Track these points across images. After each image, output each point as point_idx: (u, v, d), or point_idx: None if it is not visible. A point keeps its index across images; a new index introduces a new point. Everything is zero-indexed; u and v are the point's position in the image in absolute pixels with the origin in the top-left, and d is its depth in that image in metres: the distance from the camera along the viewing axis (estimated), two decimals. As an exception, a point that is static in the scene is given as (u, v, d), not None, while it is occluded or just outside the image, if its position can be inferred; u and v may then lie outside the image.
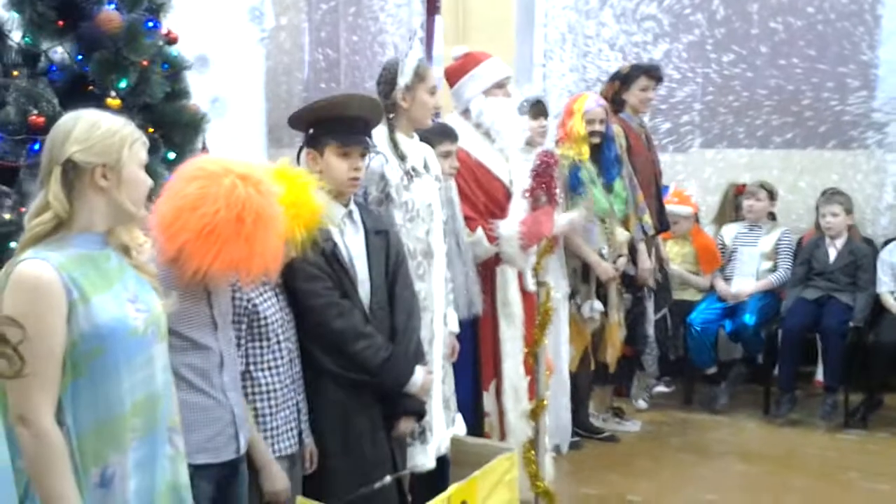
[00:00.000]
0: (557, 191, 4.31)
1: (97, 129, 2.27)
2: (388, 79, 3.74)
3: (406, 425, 3.36)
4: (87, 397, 2.21)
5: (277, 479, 2.98)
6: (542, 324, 4.34)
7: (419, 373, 3.31)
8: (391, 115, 3.72)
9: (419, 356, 3.40)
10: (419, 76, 3.71)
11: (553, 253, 4.51)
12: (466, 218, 4.24)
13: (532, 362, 4.38)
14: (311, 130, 3.31)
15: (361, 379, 3.22)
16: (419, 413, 3.40)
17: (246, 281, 2.79)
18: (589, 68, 7.37)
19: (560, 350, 5.22)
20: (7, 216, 3.22)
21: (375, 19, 7.74)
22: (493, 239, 4.27)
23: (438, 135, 4.00)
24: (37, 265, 2.16)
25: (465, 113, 4.40)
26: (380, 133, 3.64)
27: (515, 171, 4.41)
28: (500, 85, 4.36)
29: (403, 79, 3.68)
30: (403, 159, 3.69)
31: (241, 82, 7.15)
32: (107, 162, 2.26)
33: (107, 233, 2.33)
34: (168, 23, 6.12)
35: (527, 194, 4.25)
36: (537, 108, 5.09)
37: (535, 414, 4.41)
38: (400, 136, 3.73)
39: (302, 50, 8.10)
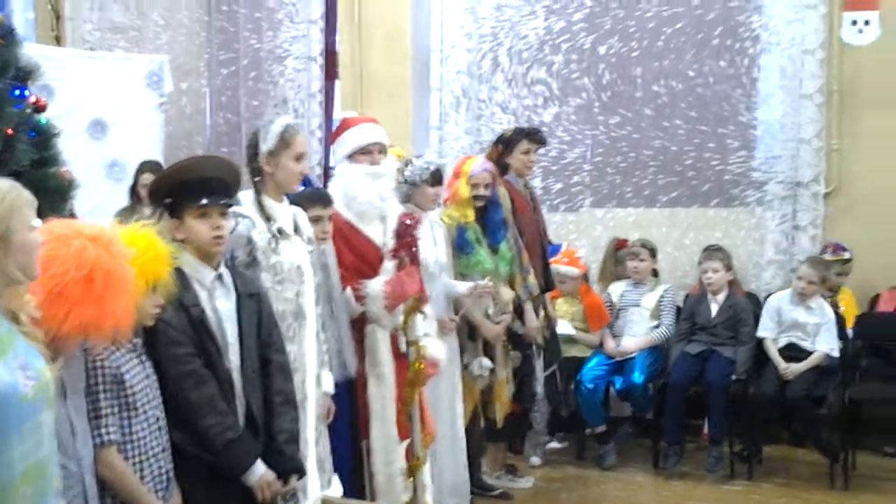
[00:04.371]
0: (418, 251, 4.41)
1: None
2: (252, 143, 3.83)
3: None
4: None
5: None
6: (413, 382, 4.40)
7: (260, 468, 3.27)
8: (257, 179, 3.80)
9: (286, 454, 3.39)
10: (284, 142, 3.79)
11: (420, 312, 4.58)
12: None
13: (406, 421, 4.45)
14: (167, 200, 3.32)
15: (202, 455, 3.20)
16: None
17: (96, 342, 2.80)
18: (483, 131, 7.55)
19: (455, 408, 5.28)
20: None
21: (275, 83, 7.82)
22: (360, 298, 4.32)
23: (308, 199, 4.08)
24: None
25: None
26: (246, 196, 3.72)
27: (391, 234, 4.47)
28: (366, 151, 4.41)
29: (266, 144, 3.77)
30: (270, 221, 3.76)
31: (139, 147, 7.15)
32: None
33: None
34: (62, 89, 6.27)
35: (391, 255, 4.34)
36: (435, 177, 5.18)
37: (411, 472, 4.46)
38: (266, 199, 3.80)
39: (202, 114, 8.15)
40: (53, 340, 2.64)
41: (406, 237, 4.26)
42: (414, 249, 4.32)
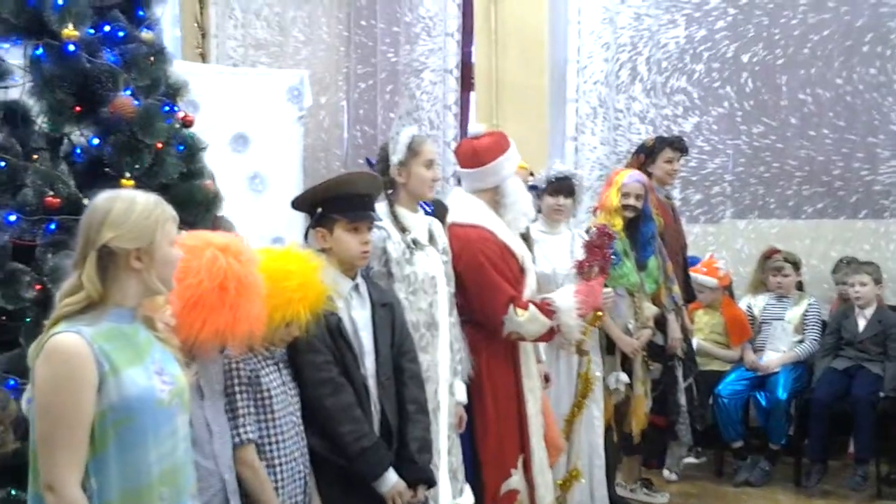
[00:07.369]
0: (609, 263, 4.42)
1: (131, 214, 2.35)
2: (383, 156, 3.86)
3: None
4: (114, 466, 2.30)
5: None
6: (584, 393, 4.40)
7: (393, 477, 3.30)
8: (390, 191, 3.83)
9: (418, 464, 3.42)
10: (413, 151, 3.80)
11: (602, 322, 4.58)
12: (513, 298, 4.15)
13: (569, 432, 4.41)
14: (318, 210, 3.42)
15: (338, 461, 3.26)
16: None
17: (233, 346, 2.89)
18: (620, 141, 7.44)
19: (593, 422, 5.21)
20: (25, 294, 3.32)
21: (412, 96, 7.90)
22: (550, 313, 4.21)
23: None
24: (70, 338, 2.26)
25: (487, 191, 4.29)
26: (381, 208, 3.75)
27: (521, 247, 4.41)
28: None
29: (396, 155, 3.79)
30: (405, 232, 3.79)
31: (279, 160, 7.32)
32: (140, 246, 2.35)
33: (136, 307, 2.43)
34: (207, 104, 6.46)
35: (579, 266, 4.37)
36: (556, 186, 5.15)
37: (566, 485, 4.42)
38: (401, 210, 3.83)
39: (340, 127, 8.29)
40: (191, 347, 2.75)
41: (602, 248, 4.26)
42: (608, 261, 4.32)
